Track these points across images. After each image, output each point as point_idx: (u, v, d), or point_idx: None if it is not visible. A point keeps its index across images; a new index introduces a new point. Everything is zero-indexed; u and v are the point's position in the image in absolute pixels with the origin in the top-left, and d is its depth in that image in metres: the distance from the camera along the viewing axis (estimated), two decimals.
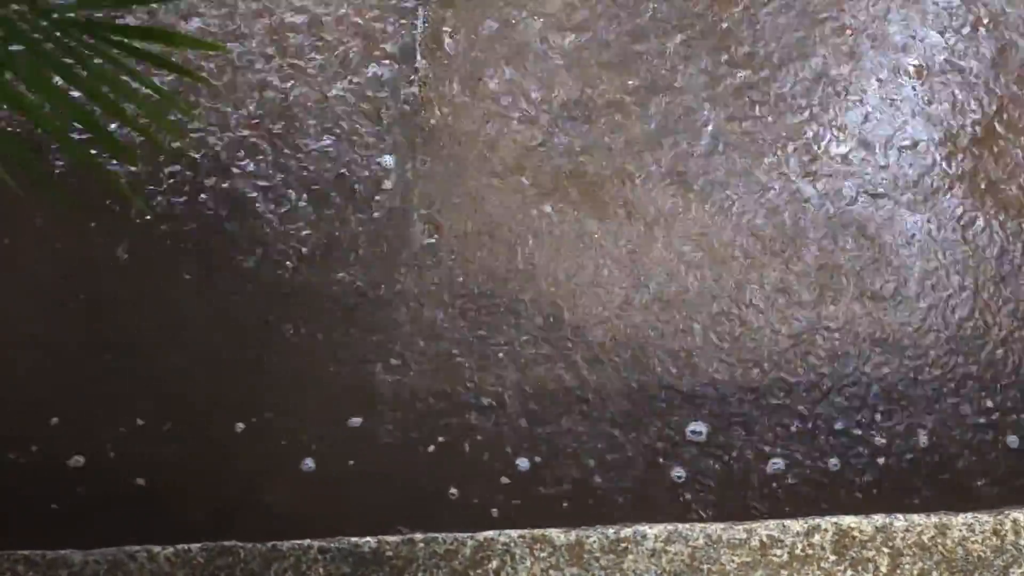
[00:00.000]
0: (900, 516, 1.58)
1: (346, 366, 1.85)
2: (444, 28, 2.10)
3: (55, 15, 1.30)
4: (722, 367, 1.85)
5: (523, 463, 1.79)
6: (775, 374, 1.85)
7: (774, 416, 1.82)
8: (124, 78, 1.30)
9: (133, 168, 1.88)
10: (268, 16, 2.07)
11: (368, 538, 1.62)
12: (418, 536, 1.62)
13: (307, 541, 1.63)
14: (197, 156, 1.96)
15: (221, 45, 1.89)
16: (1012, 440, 1.80)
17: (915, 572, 1.53)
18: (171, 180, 1.95)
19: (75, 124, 1.46)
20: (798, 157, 2.00)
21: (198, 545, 1.64)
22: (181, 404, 1.82)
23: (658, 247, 1.94)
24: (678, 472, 1.78)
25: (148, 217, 1.92)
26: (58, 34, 1.29)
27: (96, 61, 1.31)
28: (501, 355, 1.85)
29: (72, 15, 1.32)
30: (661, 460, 1.78)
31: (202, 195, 1.95)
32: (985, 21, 2.09)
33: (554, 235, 1.94)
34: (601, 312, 1.89)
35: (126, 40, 1.31)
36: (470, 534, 1.61)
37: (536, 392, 1.84)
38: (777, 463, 1.78)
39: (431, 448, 1.80)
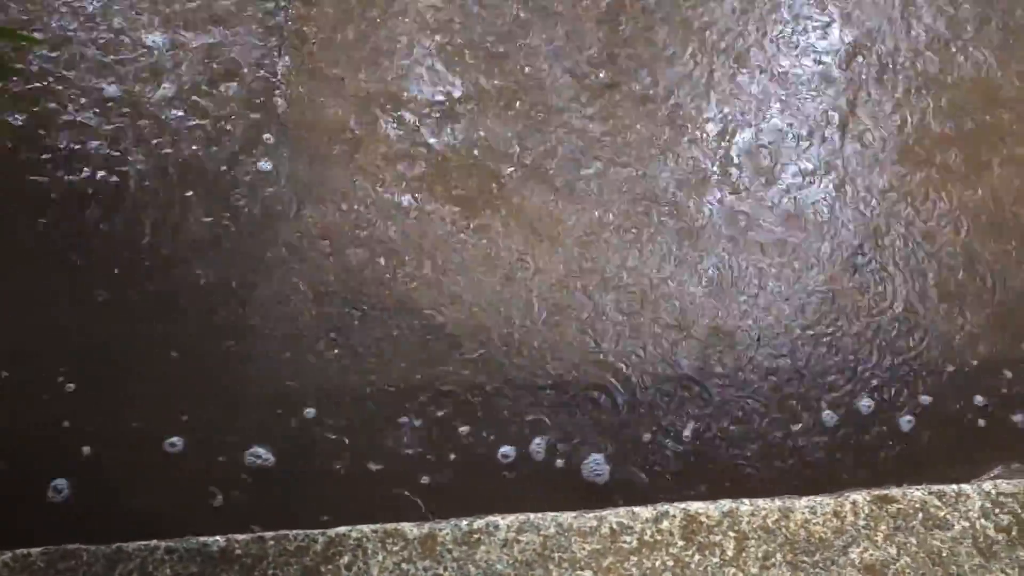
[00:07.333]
0: (746, 501, 1.61)
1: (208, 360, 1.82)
2: (307, 28, 2.09)
3: None
4: (567, 359, 1.87)
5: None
6: (632, 365, 1.87)
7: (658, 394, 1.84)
8: None
9: None
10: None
11: (217, 537, 1.59)
12: (268, 534, 1.59)
13: (154, 542, 1.58)
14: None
15: (34, 38, 1.89)
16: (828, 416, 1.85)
17: (760, 555, 1.55)
18: None
19: None
20: (669, 152, 2.04)
21: (38, 549, 1.58)
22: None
23: (520, 240, 1.95)
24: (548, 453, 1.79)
25: None
26: None
27: None
28: (366, 351, 1.84)
29: None
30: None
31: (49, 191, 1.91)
32: None
33: (420, 230, 1.94)
34: (468, 304, 1.89)
35: None
36: (321, 530, 1.59)
37: (384, 391, 1.83)
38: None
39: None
